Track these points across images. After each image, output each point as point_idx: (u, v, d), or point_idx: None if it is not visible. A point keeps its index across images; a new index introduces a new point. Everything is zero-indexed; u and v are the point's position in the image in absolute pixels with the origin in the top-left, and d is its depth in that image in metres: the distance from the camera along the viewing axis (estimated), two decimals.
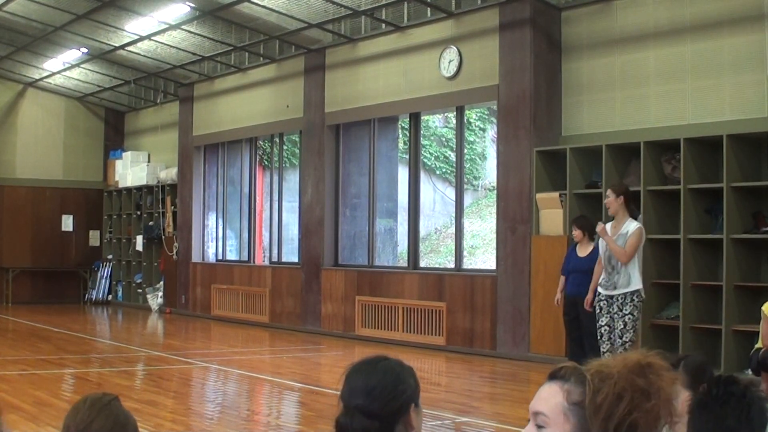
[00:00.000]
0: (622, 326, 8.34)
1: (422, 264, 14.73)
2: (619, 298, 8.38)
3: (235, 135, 17.45)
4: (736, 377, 2.59)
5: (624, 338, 8.33)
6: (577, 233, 9.76)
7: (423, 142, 16.73)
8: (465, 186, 15.39)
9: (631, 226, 8.41)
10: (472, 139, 19.19)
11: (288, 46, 15.68)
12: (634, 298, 8.33)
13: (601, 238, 8.57)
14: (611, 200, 8.55)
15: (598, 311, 8.57)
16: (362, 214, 14.90)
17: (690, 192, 10.10)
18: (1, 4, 15.18)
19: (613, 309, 8.42)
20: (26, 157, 20.79)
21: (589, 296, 9.06)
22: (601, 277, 8.64)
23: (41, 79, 20.10)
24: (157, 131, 20.31)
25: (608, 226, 8.64)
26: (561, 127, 11.87)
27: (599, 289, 8.62)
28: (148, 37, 15.89)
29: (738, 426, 2.44)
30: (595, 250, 9.39)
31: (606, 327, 8.45)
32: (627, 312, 8.32)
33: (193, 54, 16.56)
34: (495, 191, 12.91)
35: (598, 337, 8.50)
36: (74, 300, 20.97)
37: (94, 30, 16.08)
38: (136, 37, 16.05)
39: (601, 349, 8.42)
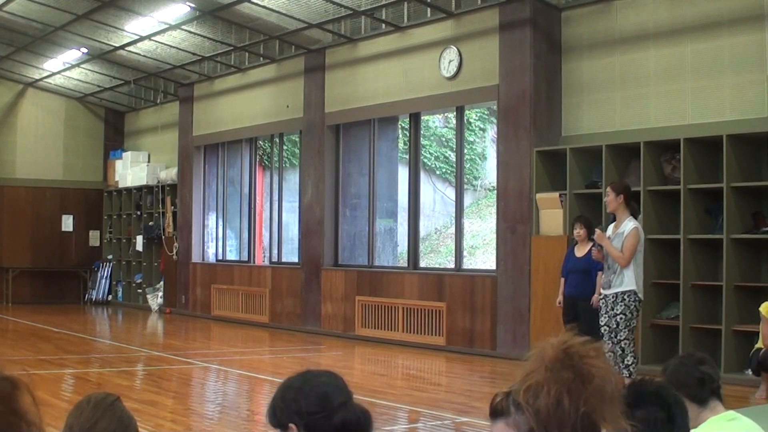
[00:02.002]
0: (614, 326, 8.34)
1: (422, 264, 14.73)
2: (611, 298, 8.38)
3: (235, 135, 17.45)
4: (644, 378, 2.60)
5: (618, 337, 8.32)
6: (580, 232, 9.72)
7: (423, 142, 16.72)
8: (465, 186, 15.39)
9: (628, 225, 8.39)
10: (472, 139, 19.18)
11: (288, 46, 15.68)
12: (626, 297, 8.32)
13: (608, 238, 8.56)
14: (611, 198, 8.53)
15: (600, 312, 8.59)
16: (362, 214, 14.90)
17: (690, 192, 10.10)
18: (1, 4, 15.18)
19: (608, 308, 8.43)
20: (26, 157, 20.79)
21: (596, 296, 9.09)
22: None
23: (41, 79, 20.10)
24: (157, 131, 20.30)
25: (610, 227, 8.63)
26: (561, 127, 11.87)
27: (601, 289, 8.64)
28: (148, 37, 15.89)
29: (660, 424, 2.47)
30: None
31: (605, 327, 8.45)
32: (618, 311, 8.32)
33: (193, 54, 16.57)
34: (495, 191, 12.91)
35: (600, 338, 8.50)
36: (74, 300, 20.97)
37: (94, 30, 16.08)
38: (136, 37, 16.05)
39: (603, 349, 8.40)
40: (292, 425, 2.37)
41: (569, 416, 1.65)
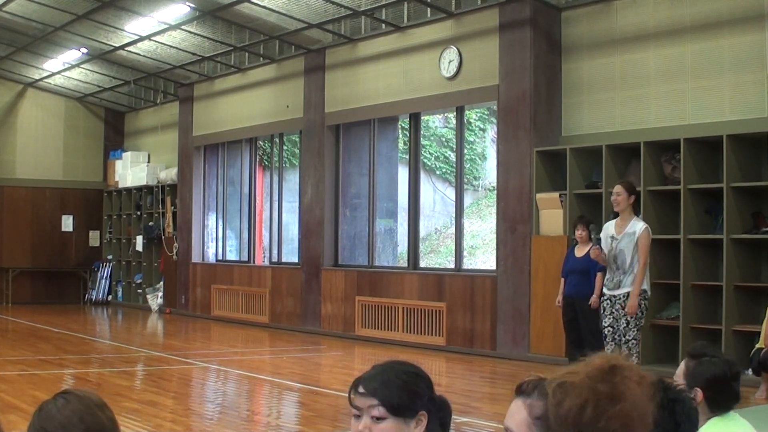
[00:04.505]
0: (624, 324, 8.34)
1: (422, 264, 14.73)
2: (622, 297, 8.38)
3: (235, 135, 17.45)
4: (667, 385, 2.60)
5: (627, 336, 8.33)
6: (583, 234, 9.72)
7: (423, 142, 16.71)
8: (465, 186, 15.38)
9: (638, 226, 8.40)
10: (472, 139, 19.17)
11: (288, 47, 15.68)
12: (636, 296, 8.32)
13: (612, 238, 8.54)
14: (623, 198, 8.51)
15: (602, 312, 8.58)
16: (362, 215, 14.90)
17: (690, 192, 10.10)
18: (1, 4, 15.18)
19: (615, 308, 8.42)
20: (26, 157, 20.78)
21: (594, 297, 9.10)
22: (606, 277, 8.63)
23: (41, 79, 20.10)
24: (157, 131, 20.30)
25: (611, 224, 8.62)
26: (561, 127, 11.86)
27: (604, 290, 8.62)
28: (148, 37, 15.89)
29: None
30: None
31: (609, 328, 8.44)
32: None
33: (193, 54, 16.56)
34: (495, 191, 12.91)
35: (603, 338, 8.51)
36: (74, 300, 20.97)
37: (94, 30, 16.08)
38: (136, 38, 16.05)
39: (606, 350, 8.41)
40: (424, 412, 2.41)
41: (585, 425, 1.66)
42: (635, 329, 8.33)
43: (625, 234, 8.42)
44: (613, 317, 8.42)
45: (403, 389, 2.42)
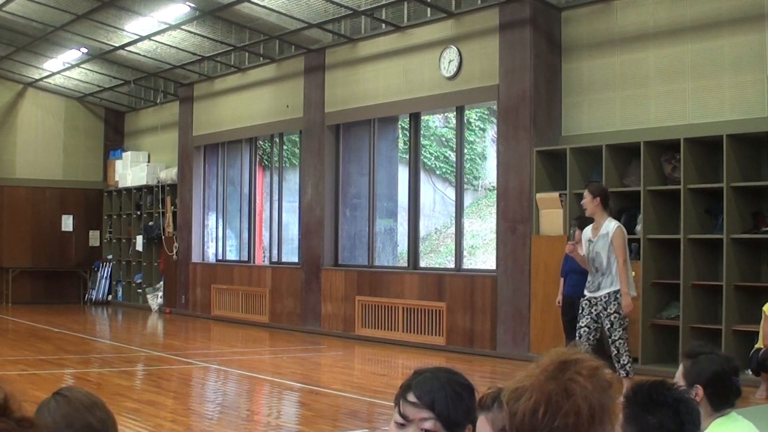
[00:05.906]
0: (609, 325, 8.32)
1: (422, 264, 14.72)
2: (603, 298, 8.35)
3: (235, 135, 17.45)
4: (665, 382, 2.61)
5: (613, 337, 8.31)
6: (577, 233, 9.74)
7: (423, 142, 16.71)
8: (465, 186, 15.38)
9: (611, 226, 8.39)
10: (472, 139, 19.17)
11: (288, 46, 15.68)
12: (619, 296, 8.30)
13: (589, 241, 8.53)
14: (587, 201, 8.54)
15: (579, 312, 8.52)
16: (362, 214, 14.90)
17: (690, 192, 10.10)
18: (1, 4, 15.18)
19: (597, 309, 8.37)
20: (26, 157, 20.79)
21: None
22: (587, 280, 8.58)
23: (41, 79, 20.09)
24: (157, 131, 20.30)
25: (588, 229, 8.61)
26: (561, 127, 11.87)
27: (585, 292, 8.56)
28: (148, 37, 15.89)
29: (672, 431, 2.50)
30: None
31: (585, 328, 8.40)
32: (612, 311, 8.29)
33: (193, 54, 16.56)
34: (495, 191, 12.91)
35: (577, 338, 8.46)
36: (74, 300, 20.97)
37: (94, 30, 16.08)
38: (136, 37, 16.05)
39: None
40: (470, 426, 2.24)
41: (542, 428, 1.62)
42: (620, 329, 8.31)
43: (600, 236, 8.42)
44: (591, 318, 8.39)
45: (458, 403, 2.25)
